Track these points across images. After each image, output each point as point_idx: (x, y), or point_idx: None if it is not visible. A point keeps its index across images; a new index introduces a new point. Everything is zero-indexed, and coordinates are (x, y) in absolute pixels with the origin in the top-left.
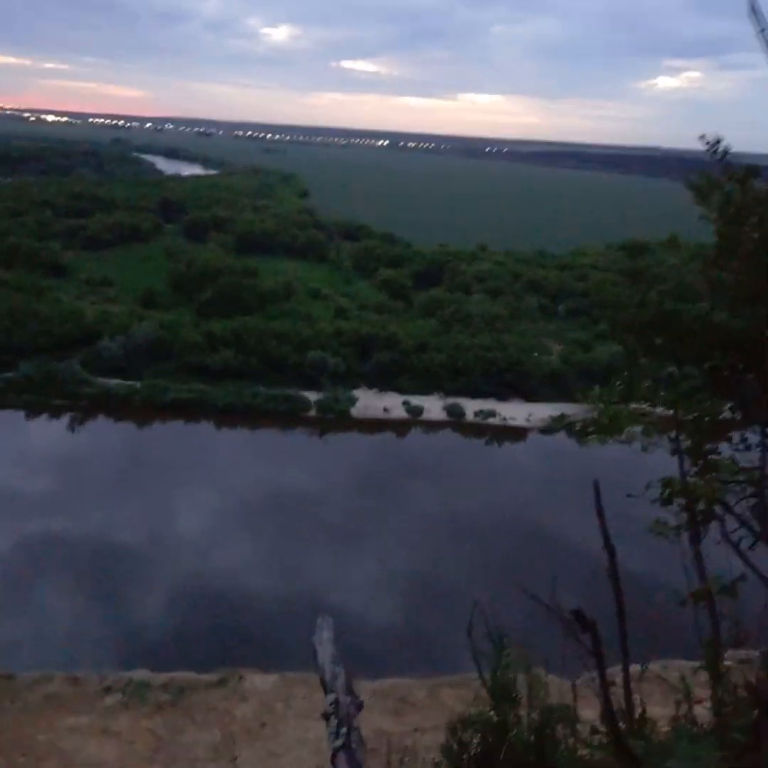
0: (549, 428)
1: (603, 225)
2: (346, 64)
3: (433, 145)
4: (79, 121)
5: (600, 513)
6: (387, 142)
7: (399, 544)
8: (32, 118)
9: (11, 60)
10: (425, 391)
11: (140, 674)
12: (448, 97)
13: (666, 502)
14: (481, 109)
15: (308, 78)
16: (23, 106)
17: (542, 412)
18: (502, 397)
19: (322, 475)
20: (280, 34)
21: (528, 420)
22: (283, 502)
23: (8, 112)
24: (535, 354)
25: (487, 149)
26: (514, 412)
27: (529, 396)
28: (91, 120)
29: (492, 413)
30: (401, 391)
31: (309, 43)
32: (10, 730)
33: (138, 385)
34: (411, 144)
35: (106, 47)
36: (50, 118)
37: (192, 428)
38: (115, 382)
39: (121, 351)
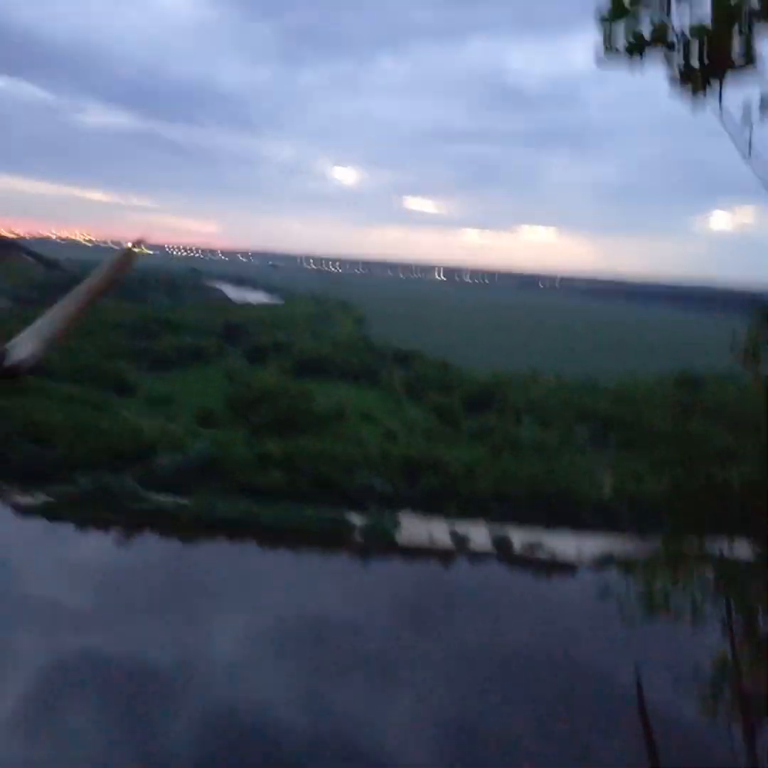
0: (599, 563)
1: (656, 357)
2: (409, 201)
3: (488, 281)
4: (158, 252)
5: (642, 711)
6: (444, 274)
7: (440, 681)
8: (116, 248)
9: (102, 197)
10: (472, 518)
11: None
12: (505, 234)
13: (716, 689)
14: (535, 242)
15: (372, 214)
16: (109, 238)
17: (592, 545)
18: (550, 527)
19: (362, 603)
20: (348, 175)
21: (577, 553)
22: (321, 631)
23: (96, 243)
24: (586, 484)
25: (541, 284)
26: (563, 544)
27: (579, 527)
28: (169, 251)
29: (540, 545)
30: (448, 517)
31: (374, 183)
32: None
33: (188, 502)
34: (467, 277)
35: (188, 186)
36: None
37: (236, 548)
38: (167, 498)
39: (174, 468)
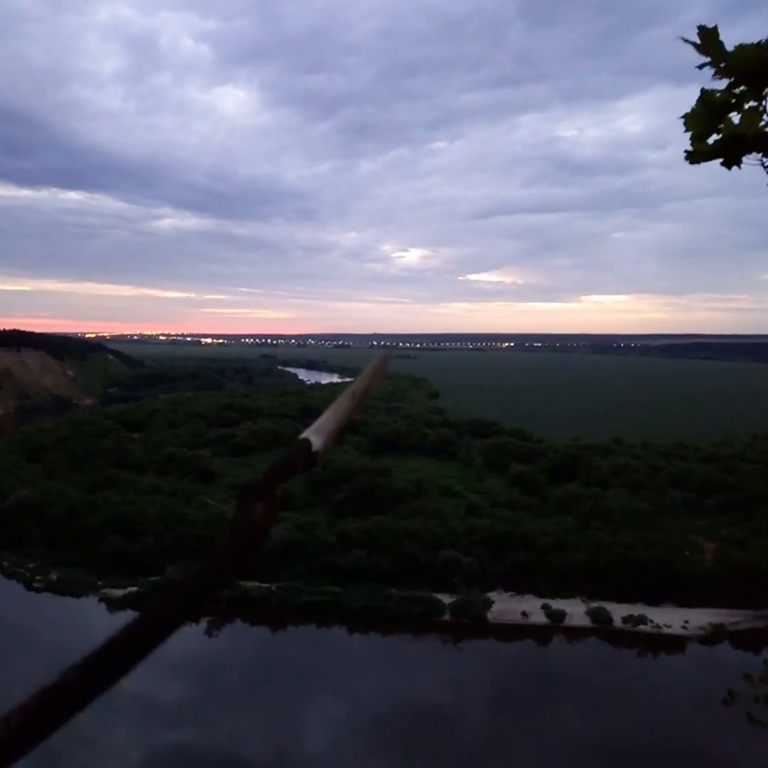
0: (710, 638)
1: (743, 415)
2: (472, 277)
3: (559, 344)
4: (231, 342)
5: None
6: (513, 343)
7: None
8: (191, 340)
9: (178, 294)
10: (565, 593)
11: None
12: (571, 300)
13: None
14: (605, 309)
15: (436, 291)
16: (185, 332)
17: (700, 618)
18: (651, 600)
19: (456, 688)
20: (411, 256)
21: (684, 627)
22: (415, 718)
23: (172, 337)
24: (687, 553)
25: (615, 345)
26: (668, 618)
27: (683, 600)
28: (242, 340)
29: (642, 619)
30: (539, 593)
31: (437, 261)
32: None
33: (273, 587)
34: (537, 344)
35: (259, 278)
36: (207, 340)
37: (324, 633)
38: (252, 584)
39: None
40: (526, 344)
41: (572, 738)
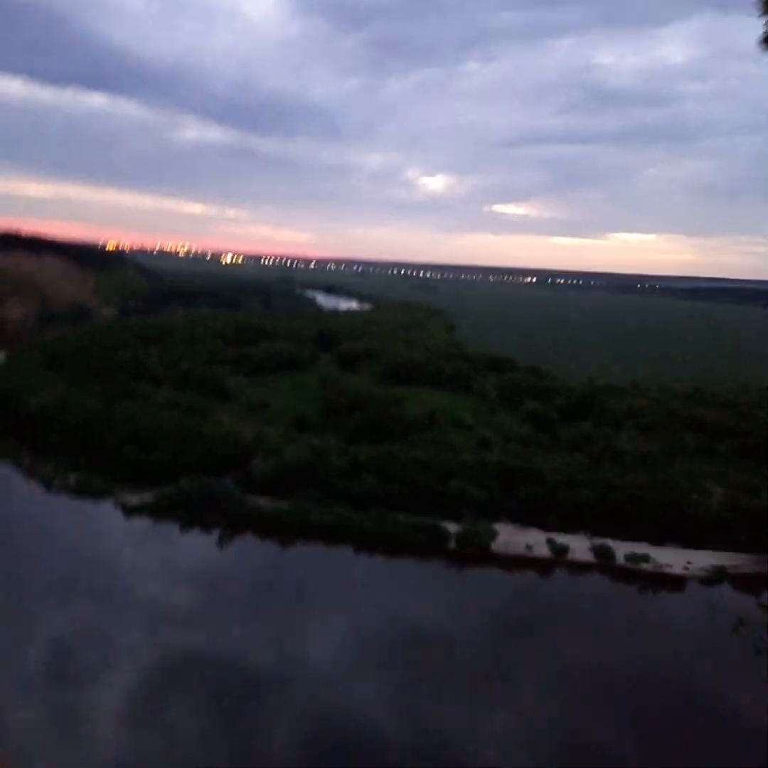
0: (710, 579)
1: (764, 361)
2: (497, 207)
3: (582, 281)
4: (251, 261)
5: None
6: (535, 278)
7: (537, 696)
8: (210, 257)
9: (199, 209)
10: (571, 529)
11: None
12: (597, 236)
13: None
14: (631, 247)
15: (460, 221)
16: (204, 247)
17: (703, 560)
18: (656, 541)
19: (458, 613)
20: (436, 182)
21: (686, 568)
22: (417, 639)
23: (192, 253)
24: (695, 496)
25: (638, 285)
26: (671, 558)
27: (688, 542)
28: (262, 260)
29: (645, 558)
30: (545, 528)
31: (463, 189)
32: None
33: (285, 506)
34: (560, 280)
35: (280, 197)
36: (227, 258)
37: (332, 553)
38: (264, 501)
39: (272, 472)
40: (549, 280)
41: (566, 666)
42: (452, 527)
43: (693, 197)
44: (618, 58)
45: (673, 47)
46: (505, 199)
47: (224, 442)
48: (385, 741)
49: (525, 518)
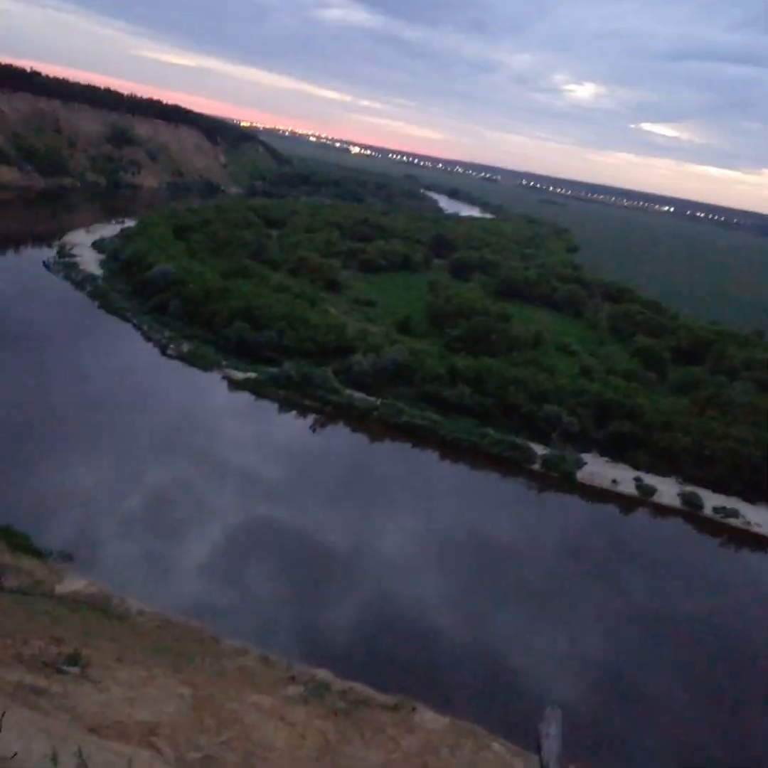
0: None
1: None
2: (646, 126)
3: (724, 218)
4: (378, 155)
5: None
6: (673, 208)
7: (595, 627)
8: (339, 146)
9: (334, 94)
10: (661, 472)
11: (323, 674)
12: (751, 170)
13: None
14: None
15: (603, 136)
16: (335, 137)
17: None
18: (749, 498)
19: (532, 534)
20: (584, 91)
21: None
22: (486, 550)
23: (321, 140)
24: None
25: None
26: (762, 517)
27: None
28: (390, 155)
29: (734, 513)
30: (635, 466)
31: (611, 102)
32: (204, 690)
33: (378, 402)
34: (699, 214)
35: (416, 90)
36: (355, 149)
37: (417, 454)
38: (359, 395)
39: (370, 368)
40: (688, 212)
41: (630, 609)
42: (540, 449)
43: None
44: None
45: None
46: (656, 118)
47: (329, 333)
48: (443, 629)
49: (616, 454)
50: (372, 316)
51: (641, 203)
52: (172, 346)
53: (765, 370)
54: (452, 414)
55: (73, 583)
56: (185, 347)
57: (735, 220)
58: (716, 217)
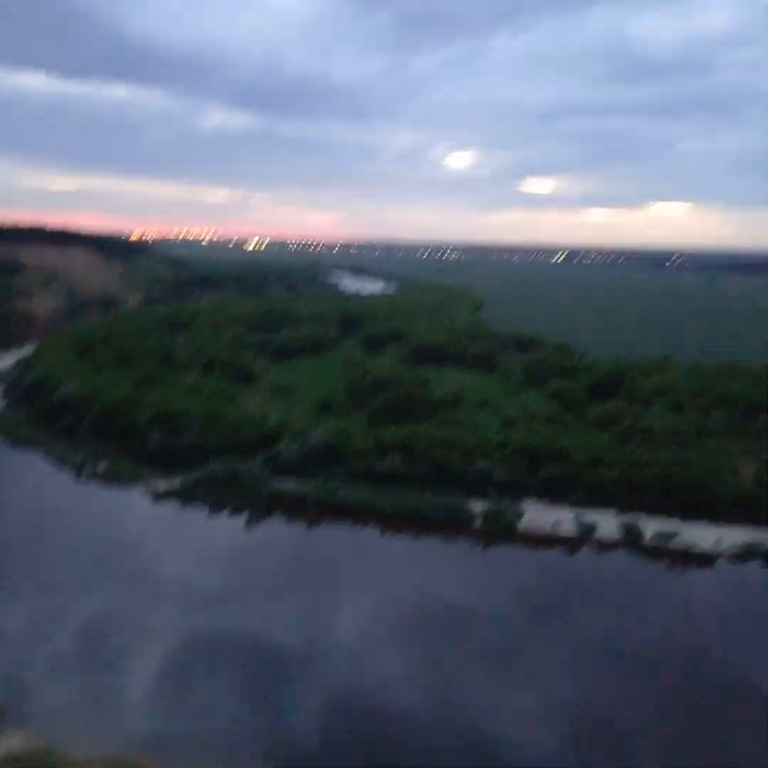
0: (741, 556)
1: None
2: (529, 182)
3: (613, 258)
4: (276, 246)
5: None
6: (565, 256)
7: (562, 675)
8: (236, 243)
9: (224, 195)
10: (598, 507)
11: None
12: (631, 211)
13: None
14: (666, 222)
15: (489, 198)
16: (230, 234)
17: (733, 537)
18: (685, 518)
19: (483, 592)
20: (464, 159)
21: (716, 545)
22: (442, 617)
23: (217, 240)
24: (724, 473)
25: (672, 259)
26: (700, 536)
27: (717, 519)
28: (288, 244)
29: (674, 536)
30: (572, 505)
31: (492, 165)
32: None
33: (311, 486)
34: (590, 257)
35: (306, 179)
36: (252, 244)
37: (357, 532)
38: (290, 482)
39: (297, 454)
40: (579, 257)
41: (596, 646)
42: (478, 506)
43: (732, 168)
44: (655, 26)
45: (713, 13)
46: (536, 174)
47: (250, 426)
48: (406, 714)
49: (551, 496)
50: (292, 401)
51: (534, 255)
52: (87, 467)
53: (675, 394)
54: (387, 486)
55: (10, 742)
56: (102, 466)
57: (621, 260)
58: (608, 258)
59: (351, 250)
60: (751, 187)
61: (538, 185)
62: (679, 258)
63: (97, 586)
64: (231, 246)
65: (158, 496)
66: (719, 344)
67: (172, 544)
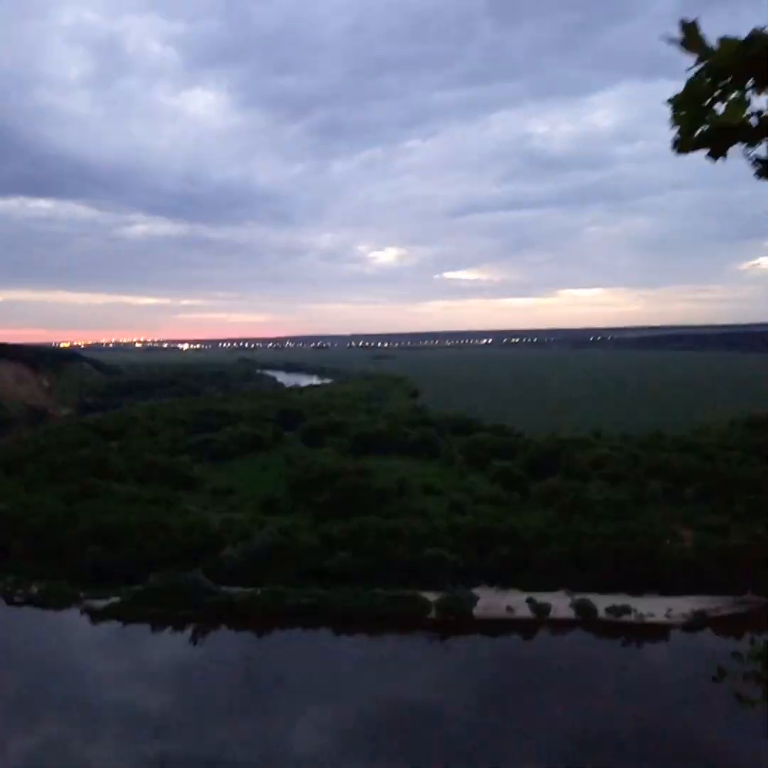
0: (693, 624)
1: (719, 404)
2: (449, 274)
3: (536, 339)
4: (209, 347)
5: None
6: (491, 340)
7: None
8: (168, 347)
9: (153, 301)
10: (550, 586)
11: None
12: (547, 295)
13: None
14: (581, 302)
15: (413, 290)
16: (161, 338)
17: (682, 606)
18: (635, 590)
19: (444, 686)
20: (387, 256)
21: (668, 616)
22: (403, 718)
23: (148, 344)
24: (667, 542)
25: (591, 339)
26: (651, 607)
27: (666, 588)
28: (220, 345)
29: (626, 609)
30: (524, 587)
31: (414, 260)
32: None
33: (258, 591)
34: (515, 340)
35: (234, 282)
36: (184, 346)
37: (310, 636)
38: (236, 589)
39: (242, 558)
40: (504, 340)
41: (558, 729)
42: (432, 596)
43: (634, 252)
44: (552, 126)
45: (602, 113)
46: (456, 267)
47: (192, 532)
48: None
49: (503, 579)
50: (234, 503)
51: (462, 341)
52: (19, 591)
53: (611, 466)
54: (337, 583)
55: None
56: (35, 588)
57: (546, 339)
58: (529, 340)
59: (286, 345)
60: (651, 269)
61: (459, 275)
62: (597, 336)
63: (30, 717)
64: (165, 347)
65: (97, 616)
66: (643, 414)
67: (111, 667)
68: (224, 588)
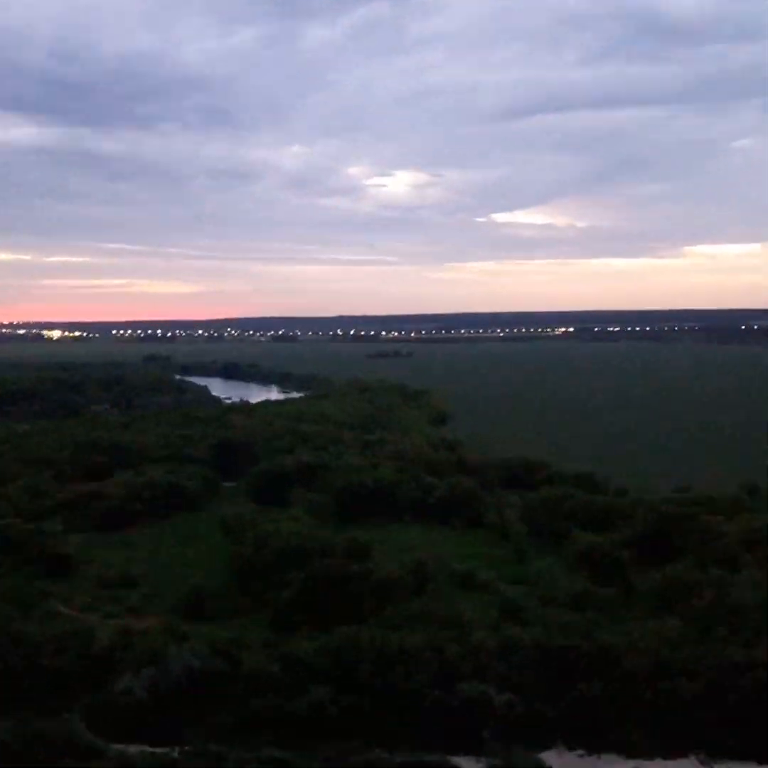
0: None
1: None
2: (500, 217)
3: (650, 327)
4: (96, 335)
5: None
6: (572, 328)
7: None
8: (31, 334)
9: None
10: (672, 748)
11: None
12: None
13: None
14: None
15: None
16: (15, 319)
17: None
18: None
19: None
20: (396, 184)
21: None
22: None
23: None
24: None
25: (743, 326)
26: None
27: None
28: (115, 331)
29: None
30: (625, 749)
31: (440, 192)
32: None
33: (175, 753)
34: (613, 328)
35: (140, 226)
36: (54, 333)
37: None
38: (137, 750)
39: (148, 695)
40: (596, 328)
41: None
42: (470, 765)
43: None
44: None
45: None
46: (511, 204)
47: (64, 648)
48: None
49: (592, 736)
50: (136, 602)
51: (520, 329)
52: None
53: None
54: (309, 739)
55: None
56: None
57: (668, 328)
58: (637, 329)
59: (226, 334)
60: None
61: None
62: (755, 321)
63: None
64: (20, 334)
65: None
66: None
67: None
68: (116, 746)
